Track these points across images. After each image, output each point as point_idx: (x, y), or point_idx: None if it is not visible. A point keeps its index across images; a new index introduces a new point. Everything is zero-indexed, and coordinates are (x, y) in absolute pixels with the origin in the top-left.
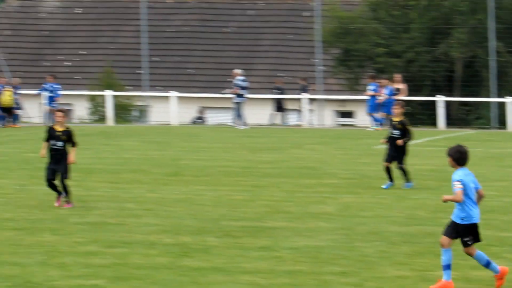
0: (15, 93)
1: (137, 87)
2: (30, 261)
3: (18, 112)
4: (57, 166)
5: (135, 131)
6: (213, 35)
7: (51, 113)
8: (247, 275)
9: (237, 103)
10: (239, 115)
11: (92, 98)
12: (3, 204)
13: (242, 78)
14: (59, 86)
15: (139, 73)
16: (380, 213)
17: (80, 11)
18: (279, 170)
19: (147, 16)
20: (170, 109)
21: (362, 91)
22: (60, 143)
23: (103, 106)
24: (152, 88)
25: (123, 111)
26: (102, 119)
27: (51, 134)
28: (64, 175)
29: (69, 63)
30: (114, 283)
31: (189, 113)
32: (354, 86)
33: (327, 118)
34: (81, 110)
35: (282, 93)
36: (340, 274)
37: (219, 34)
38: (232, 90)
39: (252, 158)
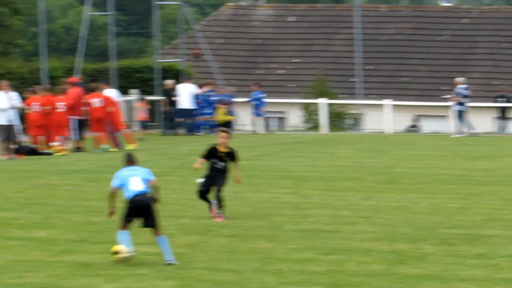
0: (229, 107)
1: (351, 95)
2: (245, 267)
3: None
4: (215, 181)
5: (349, 139)
6: (427, 43)
7: (255, 121)
8: (463, 283)
9: (459, 111)
10: (462, 123)
11: (306, 106)
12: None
13: (464, 86)
14: (264, 95)
15: (352, 81)
16: None
17: (293, 19)
18: (495, 178)
19: (360, 24)
20: (384, 117)
21: None
22: (222, 164)
23: (316, 114)
24: (366, 96)
25: (337, 119)
26: (315, 127)
27: (213, 154)
28: (220, 188)
29: (282, 71)
30: None
31: (403, 121)
32: None
33: None
34: (294, 118)
35: (507, 101)
36: None
37: (433, 43)
38: (453, 97)
39: (467, 166)
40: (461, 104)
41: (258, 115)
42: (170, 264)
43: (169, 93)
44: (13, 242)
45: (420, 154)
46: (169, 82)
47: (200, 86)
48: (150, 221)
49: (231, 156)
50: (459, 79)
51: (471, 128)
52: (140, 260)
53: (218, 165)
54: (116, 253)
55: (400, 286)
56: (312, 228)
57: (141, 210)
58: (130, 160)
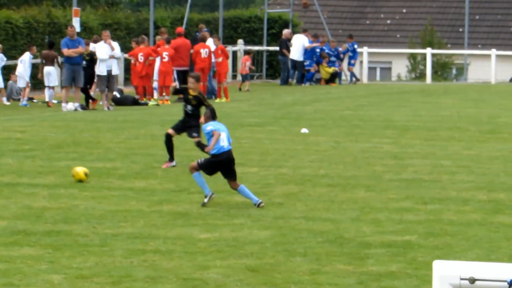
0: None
1: (458, 45)
2: (343, 217)
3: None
4: (186, 126)
5: (453, 89)
6: None
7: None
8: None
9: None
10: None
11: (412, 56)
12: (319, 161)
13: None
14: (356, 46)
15: (460, 31)
16: None
17: None
18: None
19: None
20: (490, 67)
21: None
22: (190, 107)
23: (422, 64)
24: (472, 46)
25: (442, 69)
26: (420, 76)
27: (184, 95)
28: (191, 134)
29: (390, 21)
30: (426, 239)
31: (509, 71)
32: None
33: None
34: (400, 68)
35: None
36: None
37: None
38: None
39: None
40: None
41: (352, 66)
42: (260, 205)
43: (286, 43)
44: (112, 192)
45: None
46: (286, 32)
47: (315, 37)
48: (231, 174)
49: (198, 100)
50: None
51: None
52: (237, 210)
53: (188, 108)
54: None
55: (496, 235)
56: (411, 178)
57: (226, 165)
58: (214, 115)
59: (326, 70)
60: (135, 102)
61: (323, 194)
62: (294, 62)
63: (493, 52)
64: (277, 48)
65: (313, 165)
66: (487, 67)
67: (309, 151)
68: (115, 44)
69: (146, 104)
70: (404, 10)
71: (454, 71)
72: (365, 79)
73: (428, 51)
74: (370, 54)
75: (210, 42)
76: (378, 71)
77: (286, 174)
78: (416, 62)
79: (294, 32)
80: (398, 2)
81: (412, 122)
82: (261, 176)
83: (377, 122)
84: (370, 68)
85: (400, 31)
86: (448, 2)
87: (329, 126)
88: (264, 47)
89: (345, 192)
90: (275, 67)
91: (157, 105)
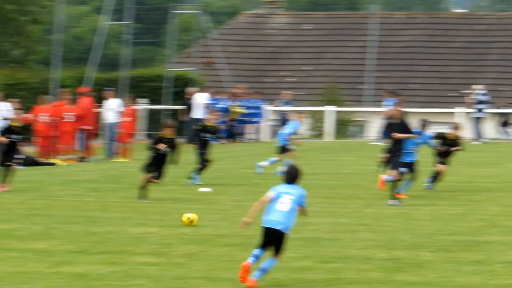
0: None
1: (359, 102)
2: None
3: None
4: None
5: (353, 146)
6: (439, 50)
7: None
8: None
9: (476, 118)
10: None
11: (313, 113)
12: (219, 220)
13: (482, 92)
14: (262, 103)
15: (361, 89)
16: None
17: (308, 27)
18: (497, 185)
19: (376, 31)
20: None
21: None
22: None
23: (322, 122)
24: (375, 103)
25: (343, 126)
26: (321, 134)
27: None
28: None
29: (293, 79)
30: None
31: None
32: None
33: None
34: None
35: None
36: None
37: (446, 49)
38: (471, 100)
39: (469, 173)
40: (479, 110)
41: (258, 122)
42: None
43: (189, 102)
44: (11, 253)
45: (426, 160)
46: (191, 90)
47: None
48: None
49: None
50: (478, 86)
51: (480, 136)
52: (137, 270)
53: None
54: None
55: None
56: (312, 236)
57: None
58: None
59: (236, 110)
60: (36, 163)
61: (223, 254)
62: (196, 120)
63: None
64: (181, 107)
65: (214, 224)
66: None
67: (210, 210)
68: (6, 105)
69: (52, 164)
70: (307, 68)
71: (354, 129)
72: (267, 137)
73: (328, 108)
74: (274, 112)
75: (115, 101)
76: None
77: (187, 233)
78: (316, 120)
79: (198, 90)
80: (301, 60)
81: (313, 180)
82: (161, 236)
83: (277, 181)
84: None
85: (303, 88)
86: (352, 59)
87: (229, 184)
88: (166, 106)
89: (246, 251)
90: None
91: (62, 165)
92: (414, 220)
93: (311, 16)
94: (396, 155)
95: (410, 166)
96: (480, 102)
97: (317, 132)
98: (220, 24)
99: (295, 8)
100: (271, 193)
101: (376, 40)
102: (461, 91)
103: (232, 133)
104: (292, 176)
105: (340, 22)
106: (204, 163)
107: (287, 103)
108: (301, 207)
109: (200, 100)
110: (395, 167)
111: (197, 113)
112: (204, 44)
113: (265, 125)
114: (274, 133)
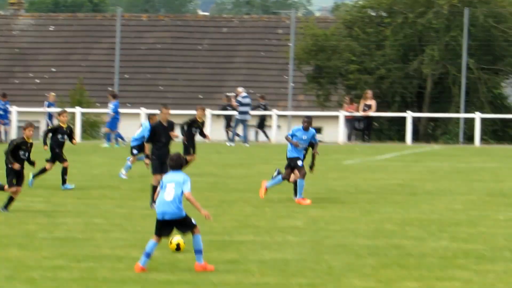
0: None
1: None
2: None
3: None
4: None
5: (100, 148)
6: (186, 52)
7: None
8: None
9: (238, 120)
10: (242, 133)
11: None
12: None
13: (244, 95)
14: (8, 105)
15: (110, 90)
16: (347, 226)
17: (53, 29)
18: (248, 186)
19: (121, 33)
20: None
21: (331, 108)
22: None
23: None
24: (122, 104)
25: (92, 127)
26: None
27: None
28: None
29: (39, 81)
30: None
31: None
32: (324, 103)
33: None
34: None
35: (265, 109)
36: (307, 286)
37: (192, 52)
38: (235, 105)
39: (220, 174)
40: (241, 113)
41: (6, 124)
42: None
43: None
44: None
45: None
46: None
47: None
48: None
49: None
50: (240, 89)
51: (233, 138)
52: None
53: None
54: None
55: None
56: (65, 236)
57: None
58: None
59: None
60: None
61: None
62: None
63: (143, 110)
64: None
65: None
66: (137, 125)
67: None
68: None
69: None
70: (54, 69)
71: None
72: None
73: (75, 110)
74: (20, 113)
75: None
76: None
77: None
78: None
79: None
80: (48, 62)
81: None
82: None
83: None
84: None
85: (50, 90)
86: (98, 61)
87: None
88: None
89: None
90: None
91: None
92: None
93: (56, 18)
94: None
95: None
96: (243, 105)
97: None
98: None
99: (39, 10)
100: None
101: (121, 42)
102: (226, 94)
103: None
104: (175, 163)
105: (85, 24)
106: None
107: (51, 104)
108: (186, 193)
109: None
110: (156, 171)
111: None
112: None
113: (12, 126)
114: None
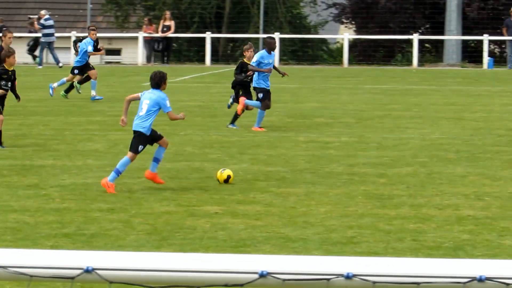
0: None
1: None
2: None
3: None
4: None
5: None
6: None
7: None
8: (15, 214)
9: (44, 42)
10: (52, 55)
11: None
12: None
13: (46, 17)
14: None
15: None
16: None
17: None
18: (47, 109)
19: None
20: None
21: (131, 29)
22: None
23: None
24: None
25: None
26: None
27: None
28: None
29: None
30: None
31: None
32: (123, 24)
33: (95, 56)
34: None
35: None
36: (107, 211)
37: None
38: (38, 28)
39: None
40: (46, 35)
41: None
42: None
43: None
44: None
45: None
46: None
47: None
48: None
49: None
50: (43, 12)
51: (58, 60)
52: None
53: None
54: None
55: None
56: None
57: None
58: None
59: None
60: None
61: None
62: None
63: None
64: None
65: None
66: None
67: None
68: None
69: None
70: None
71: None
72: None
73: None
74: None
75: None
76: None
77: None
78: None
79: None
80: None
81: None
82: None
83: None
84: None
85: None
86: None
87: None
88: None
89: None
90: None
91: None
92: None
93: None
94: None
95: None
96: (46, 27)
97: None
98: None
99: None
100: (137, 94)
101: None
102: (29, 16)
103: None
104: (153, 81)
105: None
106: None
107: None
108: (167, 112)
109: None
110: None
111: None
112: None
113: None
114: None
